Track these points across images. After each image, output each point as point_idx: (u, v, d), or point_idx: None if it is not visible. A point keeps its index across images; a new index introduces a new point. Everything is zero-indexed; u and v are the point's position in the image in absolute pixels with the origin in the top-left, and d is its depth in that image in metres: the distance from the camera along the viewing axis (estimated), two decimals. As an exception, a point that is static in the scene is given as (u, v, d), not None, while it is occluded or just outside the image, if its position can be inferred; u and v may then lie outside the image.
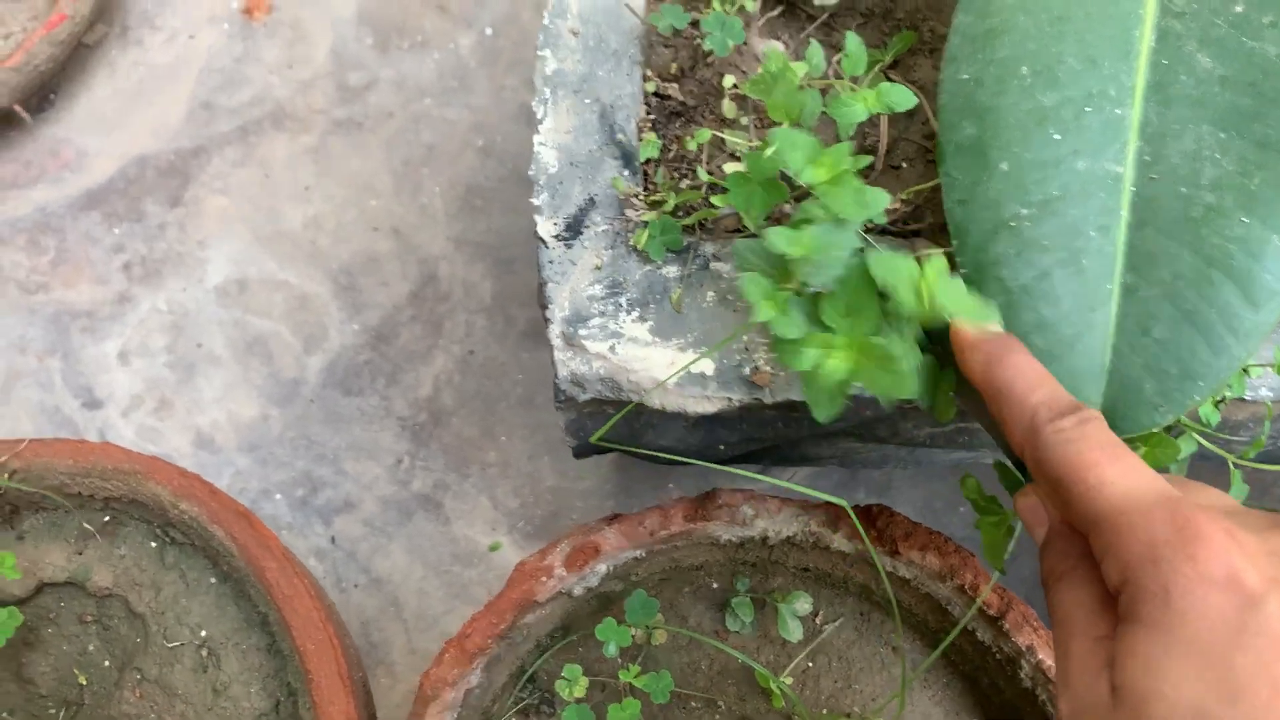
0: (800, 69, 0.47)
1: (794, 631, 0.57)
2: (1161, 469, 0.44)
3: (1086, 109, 0.44)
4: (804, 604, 0.58)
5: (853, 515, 0.52)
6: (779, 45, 0.52)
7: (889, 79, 0.51)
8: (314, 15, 1.03)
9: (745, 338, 0.46)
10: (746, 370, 0.45)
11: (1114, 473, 0.35)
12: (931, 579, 0.55)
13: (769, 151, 0.41)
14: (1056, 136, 0.43)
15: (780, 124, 0.51)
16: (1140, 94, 0.44)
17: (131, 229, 0.95)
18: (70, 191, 0.97)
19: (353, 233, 0.96)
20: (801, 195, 0.48)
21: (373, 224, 0.96)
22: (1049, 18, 0.45)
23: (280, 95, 1.00)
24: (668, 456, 0.51)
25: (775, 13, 0.53)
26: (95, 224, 0.96)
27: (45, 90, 0.99)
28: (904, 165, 0.51)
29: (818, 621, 0.60)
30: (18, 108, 0.94)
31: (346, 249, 0.95)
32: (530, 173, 0.47)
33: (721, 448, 0.55)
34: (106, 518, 0.59)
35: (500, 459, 0.89)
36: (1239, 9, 0.44)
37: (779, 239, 0.39)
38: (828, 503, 0.57)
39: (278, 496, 0.88)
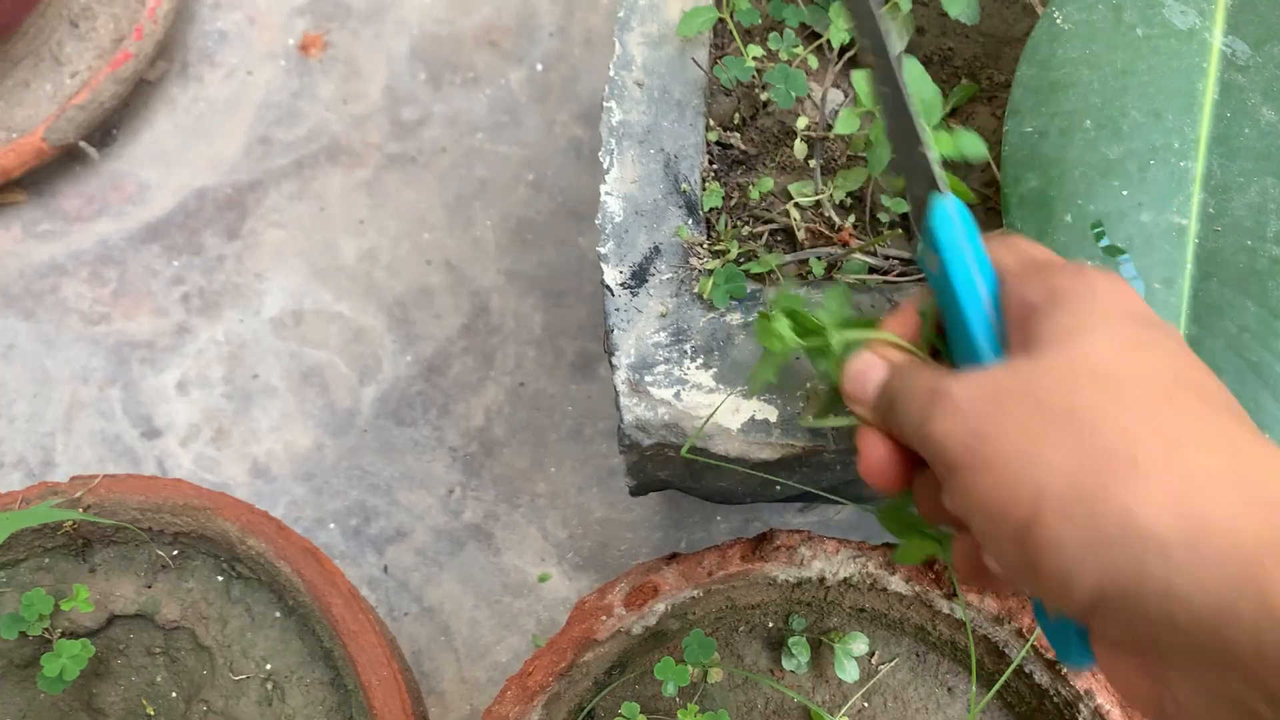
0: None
1: (850, 672, 0.58)
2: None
3: (1151, 161, 0.44)
4: (860, 645, 0.58)
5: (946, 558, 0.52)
6: (842, 96, 0.53)
7: (949, 128, 0.51)
8: (369, 52, 1.05)
9: (810, 384, 0.47)
10: (801, 418, 0.46)
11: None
12: (989, 621, 0.55)
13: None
14: (1122, 189, 0.44)
15: (849, 167, 0.52)
16: (1204, 146, 0.44)
17: (190, 261, 0.98)
18: (131, 225, 0.99)
19: (406, 266, 0.97)
20: (844, 244, 0.49)
21: (426, 257, 0.97)
22: (1113, 71, 0.45)
23: (335, 130, 1.02)
24: (760, 475, 0.52)
25: (839, 65, 0.53)
26: (155, 256, 0.98)
27: (109, 125, 1.02)
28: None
29: (873, 662, 0.60)
30: (83, 143, 0.97)
31: (400, 282, 0.97)
32: (597, 221, 0.48)
33: (778, 488, 0.56)
34: (175, 551, 0.60)
35: (550, 490, 0.90)
36: (1303, 63, 0.44)
37: None
38: (885, 544, 0.57)
39: (332, 525, 0.89)
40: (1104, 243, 0.44)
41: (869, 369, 0.39)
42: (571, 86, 1.03)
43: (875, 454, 0.38)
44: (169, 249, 0.98)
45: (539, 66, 1.04)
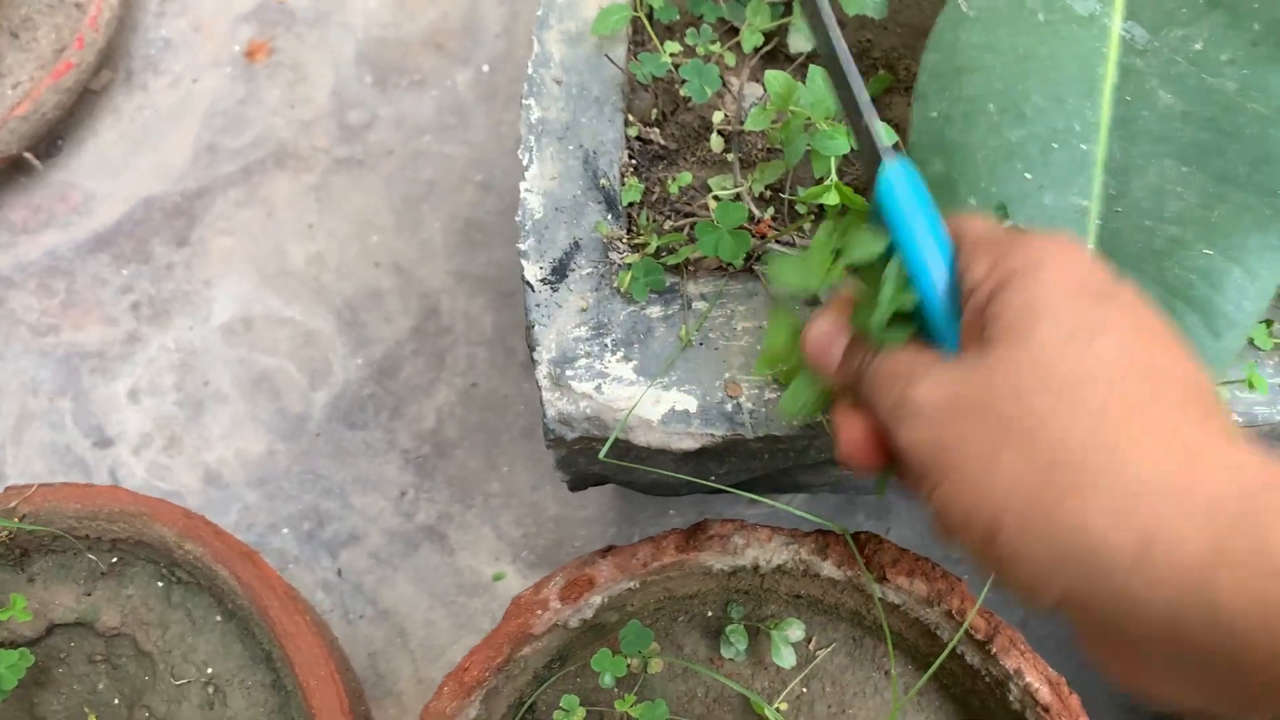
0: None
1: (787, 658, 0.58)
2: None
3: (1053, 145, 0.45)
4: (796, 631, 0.59)
5: (850, 540, 0.53)
6: (760, 89, 0.53)
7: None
8: (314, 57, 1.05)
9: (728, 375, 0.47)
10: (729, 407, 0.46)
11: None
12: (920, 604, 0.56)
13: None
14: (1025, 172, 0.45)
15: (768, 160, 0.52)
16: (1105, 130, 0.45)
17: (139, 270, 0.97)
18: (79, 235, 0.99)
19: (355, 269, 0.97)
20: (762, 235, 0.50)
21: (375, 260, 0.97)
22: (1015, 56, 0.46)
23: (282, 135, 1.02)
24: (679, 476, 0.52)
25: (755, 60, 0.54)
26: (104, 266, 0.98)
27: (53, 136, 1.01)
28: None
29: (811, 647, 0.60)
30: (27, 154, 0.97)
31: (349, 285, 0.97)
32: (517, 219, 0.49)
33: (712, 479, 0.56)
34: (114, 559, 0.60)
35: (503, 490, 0.91)
36: (1198, 46, 0.45)
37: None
38: (817, 531, 0.58)
39: (285, 530, 0.89)
40: (1003, 220, 0.44)
41: (830, 335, 0.39)
42: (517, 87, 1.03)
43: (851, 435, 0.38)
44: (117, 258, 0.98)
45: (485, 68, 1.04)
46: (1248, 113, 0.44)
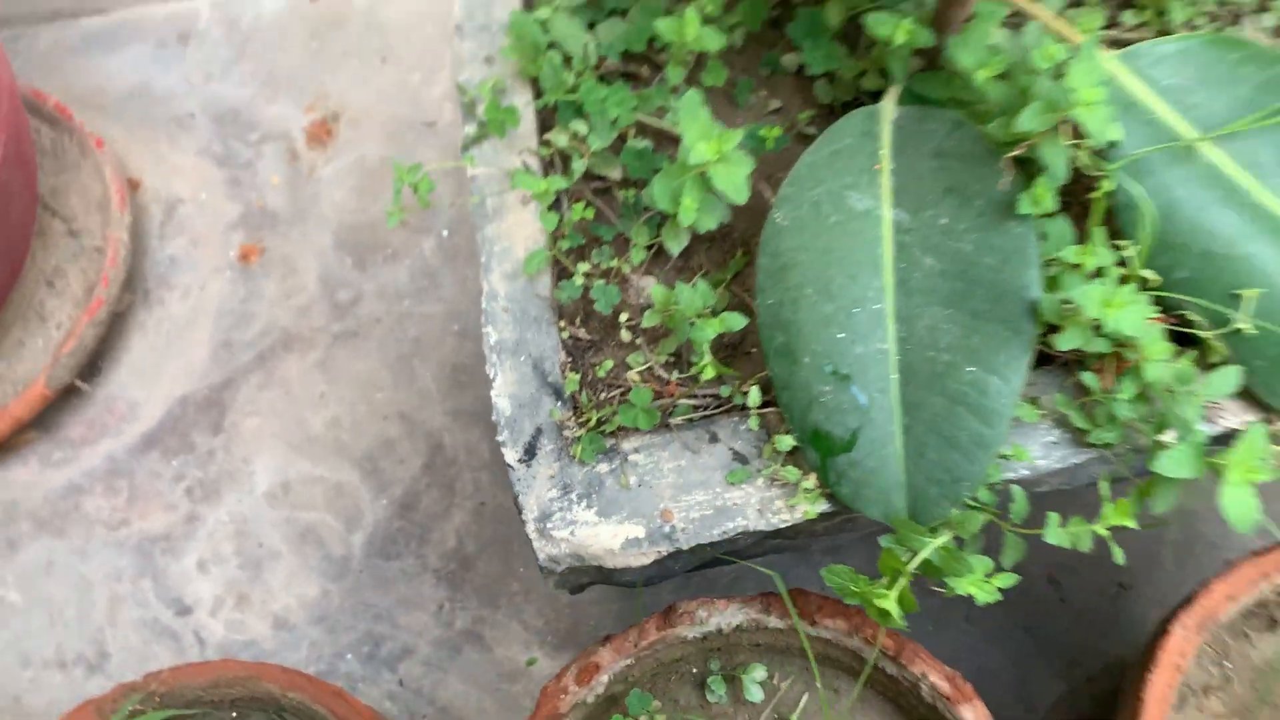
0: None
1: (756, 694, 0.76)
2: (961, 540, 0.63)
3: (855, 310, 0.64)
4: (760, 672, 0.77)
5: (785, 597, 0.70)
6: (653, 280, 0.72)
7: (731, 290, 0.71)
8: (299, 250, 1.24)
9: (663, 505, 0.65)
10: (666, 529, 0.65)
11: None
12: (844, 635, 0.74)
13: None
14: (838, 333, 0.63)
15: (666, 336, 0.71)
16: (891, 292, 0.64)
17: (186, 459, 1.16)
18: (129, 439, 1.17)
19: (366, 424, 1.16)
20: (671, 394, 0.68)
21: (382, 414, 1.16)
22: (820, 250, 0.65)
23: (285, 323, 1.21)
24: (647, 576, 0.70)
25: (648, 256, 0.73)
26: (156, 461, 1.16)
27: (94, 359, 1.20)
28: (753, 351, 0.71)
29: (775, 682, 0.78)
30: (77, 381, 1.15)
31: (364, 439, 1.15)
32: (493, 418, 0.67)
33: (674, 570, 0.74)
34: (234, 714, 0.78)
35: (523, 588, 1.09)
36: (944, 221, 0.64)
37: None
38: (761, 594, 0.76)
39: (349, 656, 1.07)
40: (830, 369, 0.63)
41: None
42: (474, 246, 1.22)
43: None
44: (166, 452, 1.16)
45: (445, 233, 1.23)
46: (983, 265, 0.62)
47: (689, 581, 1.06)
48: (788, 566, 1.06)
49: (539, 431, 0.67)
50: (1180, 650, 0.72)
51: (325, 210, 1.25)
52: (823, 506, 0.64)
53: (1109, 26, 0.76)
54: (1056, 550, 0.62)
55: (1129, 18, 0.76)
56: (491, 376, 0.67)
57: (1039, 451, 0.64)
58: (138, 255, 1.24)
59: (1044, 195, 0.59)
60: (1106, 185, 0.60)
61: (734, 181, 0.62)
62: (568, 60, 0.74)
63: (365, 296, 1.21)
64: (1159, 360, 0.59)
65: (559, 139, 0.73)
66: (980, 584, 0.60)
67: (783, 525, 0.64)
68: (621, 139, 0.74)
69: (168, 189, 1.28)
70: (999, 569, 0.61)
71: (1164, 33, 0.74)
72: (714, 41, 0.72)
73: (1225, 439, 0.63)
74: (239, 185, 1.27)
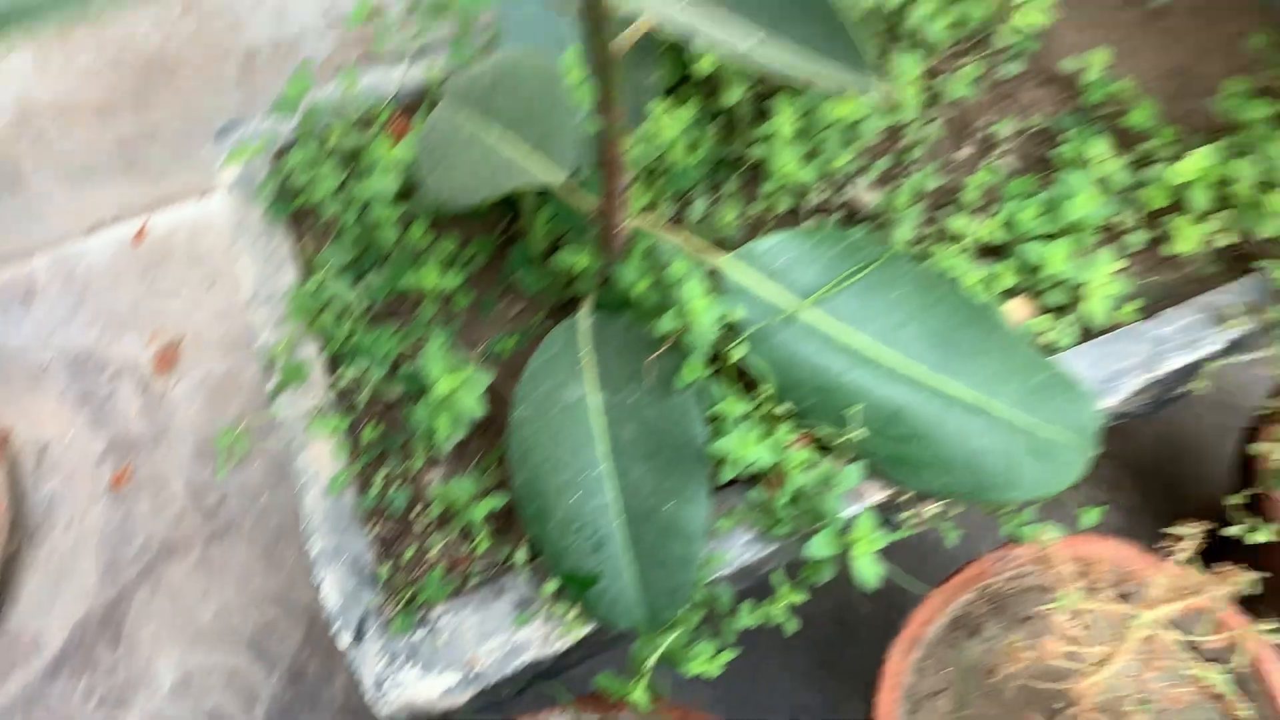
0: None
1: (589, 778, 0.95)
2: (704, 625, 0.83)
3: (581, 475, 0.84)
4: (589, 759, 0.96)
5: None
6: (441, 471, 0.92)
7: (501, 467, 0.91)
8: (164, 466, 1.40)
9: (469, 654, 0.84)
10: (474, 672, 0.83)
11: None
12: None
13: None
14: (570, 497, 0.84)
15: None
16: (608, 457, 0.85)
17: (93, 675, 1.30)
18: (39, 667, 1.31)
19: (249, 610, 1.32)
20: (458, 566, 0.88)
21: (260, 598, 1.32)
22: (550, 434, 0.85)
23: (162, 534, 1.36)
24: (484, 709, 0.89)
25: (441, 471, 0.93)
26: (65, 682, 1.30)
27: (-6, 603, 1.34)
28: (525, 513, 0.90)
29: (603, 764, 0.97)
30: (-18, 627, 1.29)
31: (249, 623, 1.31)
32: (328, 613, 0.85)
33: (504, 697, 0.93)
34: None
35: None
36: (634, 398, 0.85)
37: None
38: (592, 694, 0.95)
39: (268, 818, 1.22)
40: (573, 525, 0.83)
41: None
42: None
43: None
44: (74, 672, 1.30)
45: (289, 427, 1.40)
46: (665, 427, 0.84)
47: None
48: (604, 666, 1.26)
49: (365, 616, 0.85)
50: (896, 670, 0.94)
51: (182, 426, 1.42)
52: (587, 629, 0.84)
53: (743, 214, 0.99)
54: (842, 595, 0.83)
55: (758, 206, 0.99)
56: (320, 579, 0.86)
57: (740, 550, 0.85)
58: (18, 500, 1.39)
59: (693, 371, 0.81)
60: (737, 353, 0.82)
61: (470, 403, 0.82)
62: (344, 312, 0.94)
63: (229, 496, 1.38)
64: (798, 470, 0.81)
65: (347, 374, 0.93)
66: (708, 662, 0.81)
67: (564, 649, 0.84)
68: (395, 366, 0.94)
69: (36, 434, 1.43)
70: (724, 648, 0.82)
71: (791, 210, 0.98)
72: (452, 281, 0.92)
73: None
74: (101, 419, 1.43)
